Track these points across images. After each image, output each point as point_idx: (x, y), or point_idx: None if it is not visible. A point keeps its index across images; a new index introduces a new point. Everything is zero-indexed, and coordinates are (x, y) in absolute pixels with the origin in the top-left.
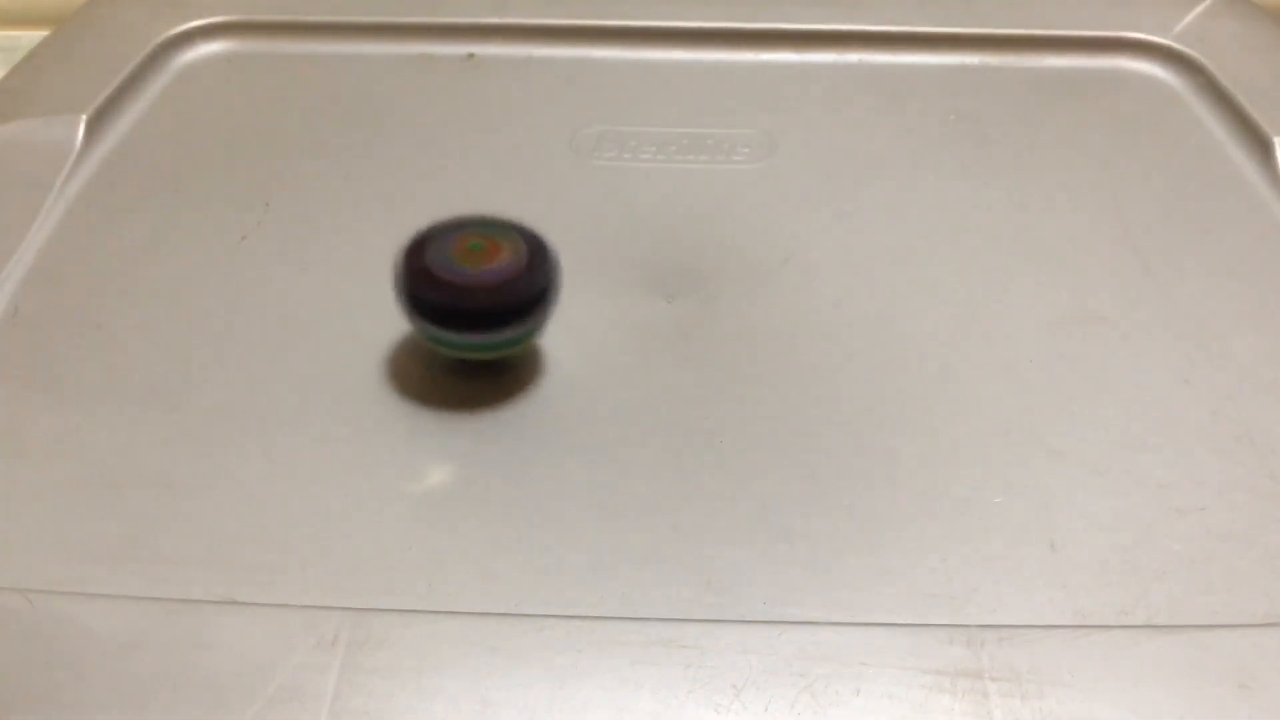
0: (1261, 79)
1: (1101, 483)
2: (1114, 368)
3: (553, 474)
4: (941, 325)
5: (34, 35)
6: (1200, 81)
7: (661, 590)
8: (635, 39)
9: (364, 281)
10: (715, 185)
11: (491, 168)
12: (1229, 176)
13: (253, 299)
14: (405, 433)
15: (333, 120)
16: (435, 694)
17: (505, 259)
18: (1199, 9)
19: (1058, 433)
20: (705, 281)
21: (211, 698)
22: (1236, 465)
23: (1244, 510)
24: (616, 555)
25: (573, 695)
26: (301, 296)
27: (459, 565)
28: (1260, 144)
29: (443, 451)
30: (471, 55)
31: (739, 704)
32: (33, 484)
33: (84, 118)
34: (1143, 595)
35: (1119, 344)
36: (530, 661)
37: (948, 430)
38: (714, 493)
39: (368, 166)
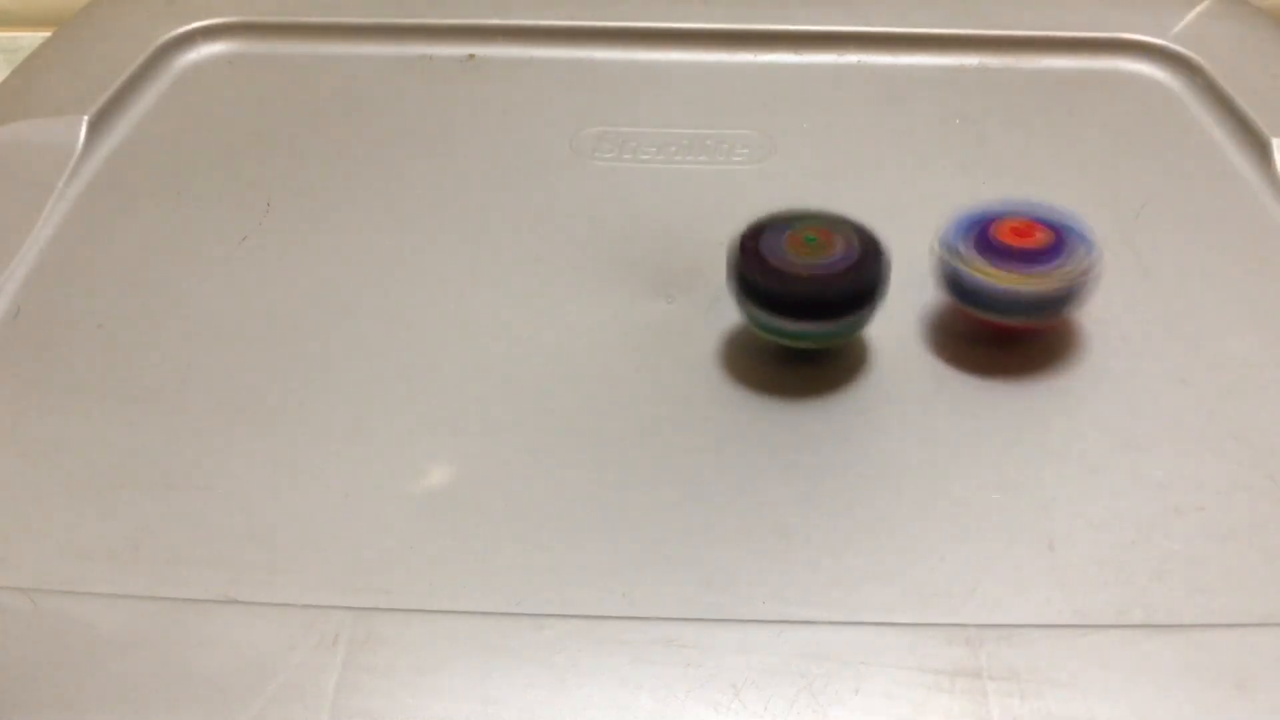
0: (1259, 80)
1: (1100, 483)
2: (1112, 367)
3: (553, 474)
4: (941, 325)
5: (36, 36)
6: (1198, 82)
7: (661, 590)
8: (635, 40)
9: (364, 281)
10: (715, 185)
11: (491, 168)
12: (1227, 177)
13: (253, 299)
14: (405, 433)
15: (333, 121)
16: (436, 693)
17: (838, 251)
18: (1197, 10)
19: (1056, 433)
20: (705, 281)
21: (213, 696)
22: (1234, 465)
23: (1241, 510)
24: (616, 555)
25: (573, 694)
26: (301, 296)
27: (459, 565)
28: (1258, 144)
29: (443, 452)
30: (472, 56)
31: (739, 703)
32: (34, 484)
33: (86, 118)
34: (1141, 595)
35: (1117, 344)
36: (530, 660)
37: (947, 430)
38: (714, 493)
39: (368, 167)
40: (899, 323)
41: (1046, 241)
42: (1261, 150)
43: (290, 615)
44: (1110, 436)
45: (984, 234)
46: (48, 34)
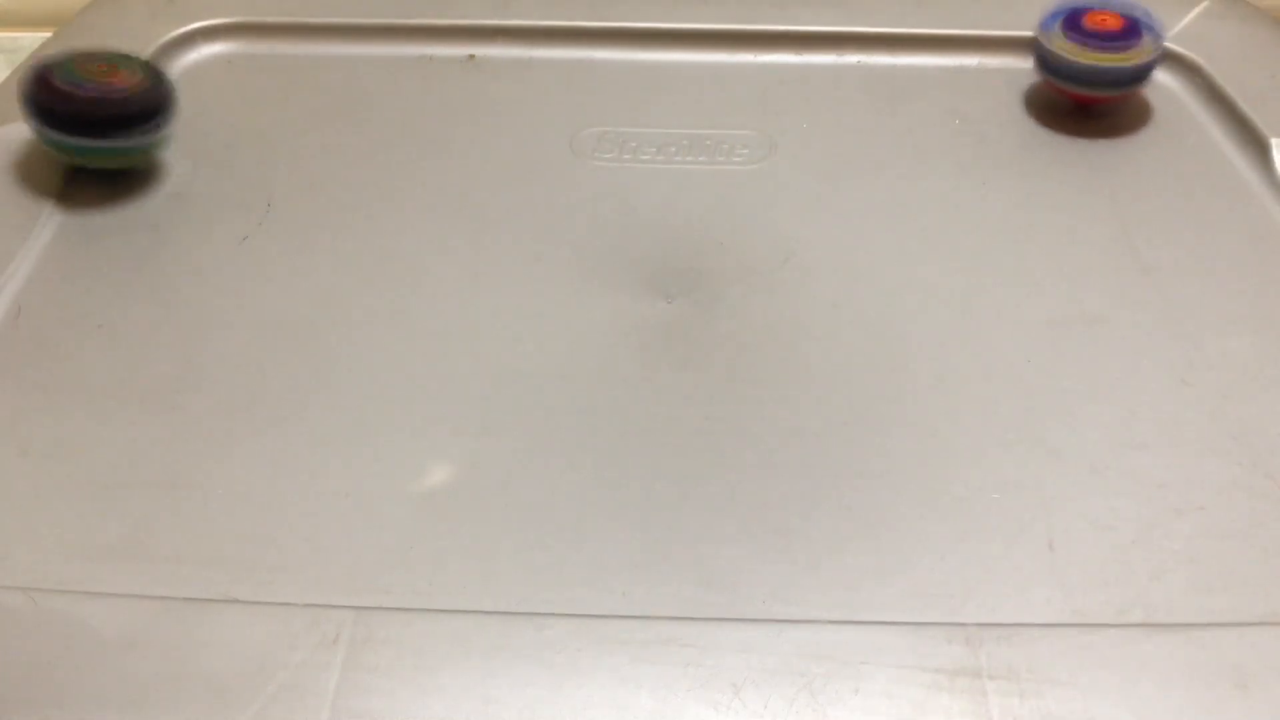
0: (1259, 80)
1: (1099, 482)
2: (1112, 368)
3: (553, 474)
4: (940, 325)
5: (36, 37)
6: (1198, 83)
7: (661, 589)
8: (635, 40)
9: (364, 281)
10: (715, 185)
11: (491, 168)
12: (1226, 177)
13: (253, 299)
14: (405, 433)
15: (333, 121)
16: (436, 692)
17: (125, 79)
18: (1197, 10)
19: (1056, 433)
20: (705, 281)
21: (213, 695)
22: (1234, 465)
23: (1241, 510)
24: (616, 555)
25: (573, 693)
26: (301, 296)
27: (459, 565)
28: (1258, 145)
29: (444, 452)
30: (472, 56)
31: (738, 702)
32: (34, 484)
33: None
34: (1140, 594)
35: (1117, 344)
36: (530, 660)
37: (947, 430)
38: (714, 493)
39: (368, 167)
40: (898, 323)
41: (1119, 26)
42: (1261, 150)
43: (290, 615)
44: (1110, 436)
45: (1071, 20)
46: (48, 34)
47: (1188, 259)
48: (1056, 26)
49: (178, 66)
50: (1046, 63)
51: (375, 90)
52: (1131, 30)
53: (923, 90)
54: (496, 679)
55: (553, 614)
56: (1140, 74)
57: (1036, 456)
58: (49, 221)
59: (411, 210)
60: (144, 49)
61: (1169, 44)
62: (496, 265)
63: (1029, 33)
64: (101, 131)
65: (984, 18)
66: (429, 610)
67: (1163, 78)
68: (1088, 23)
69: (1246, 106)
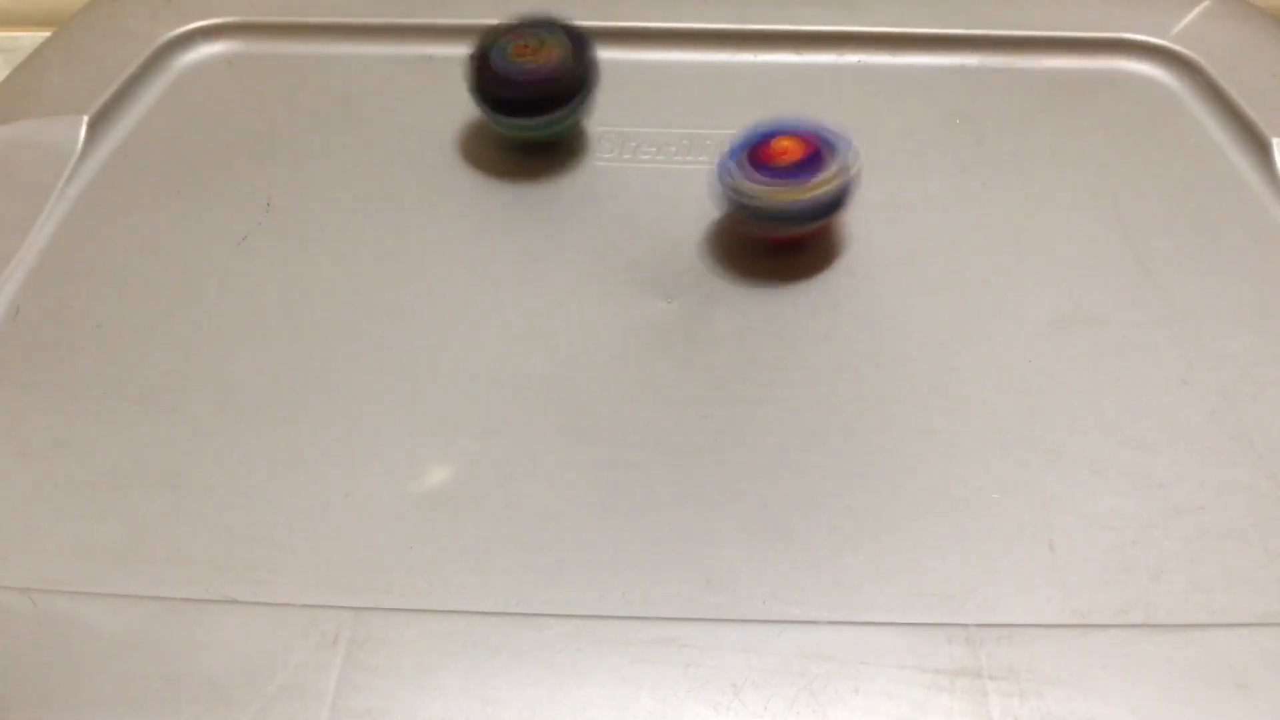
0: (1260, 80)
1: (1100, 482)
2: (1112, 368)
3: (552, 474)
4: (941, 325)
5: (36, 36)
6: (1198, 82)
7: (661, 590)
8: (635, 39)
9: (364, 281)
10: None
11: (491, 168)
12: (1227, 177)
13: (253, 299)
14: (406, 433)
15: (333, 121)
16: (436, 692)
17: (550, 58)
18: (1197, 10)
19: (1056, 433)
20: (705, 281)
21: (213, 696)
22: (1234, 465)
23: (1242, 510)
24: (616, 555)
25: (573, 694)
26: (301, 296)
27: (459, 565)
28: (1258, 145)
29: (443, 452)
30: None
31: (739, 703)
32: (34, 484)
33: (86, 118)
34: (1141, 594)
35: (1117, 344)
36: (530, 660)
37: (947, 430)
38: (714, 493)
39: (367, 166)
40: (899, 323)
41: (801, 155)
42: (1261, 150)
43: (290, 615)
44: (1110, 436)
45: (752, 153)
46: (48, 34)
47: (1188, 259)
48: (738, 161)
49: (178, 66)
50: (729, 201)
51: (375, 90)
52: (815, 158)
53: (923, 90)
54: (496, 679)
55: (553, 614)
56: (821, 210)
57: (1036, 456)
58: (48, 221)
59: (411, 210)
60: (144, 49)
61: (1169, 43)
62: (496, 265)
63: (1029, 33)
64: (530, 112)
65: (984, 18)
66: (429, 610)
67: (1163, 77)
68: (769, 154)
69: (1246, 106)
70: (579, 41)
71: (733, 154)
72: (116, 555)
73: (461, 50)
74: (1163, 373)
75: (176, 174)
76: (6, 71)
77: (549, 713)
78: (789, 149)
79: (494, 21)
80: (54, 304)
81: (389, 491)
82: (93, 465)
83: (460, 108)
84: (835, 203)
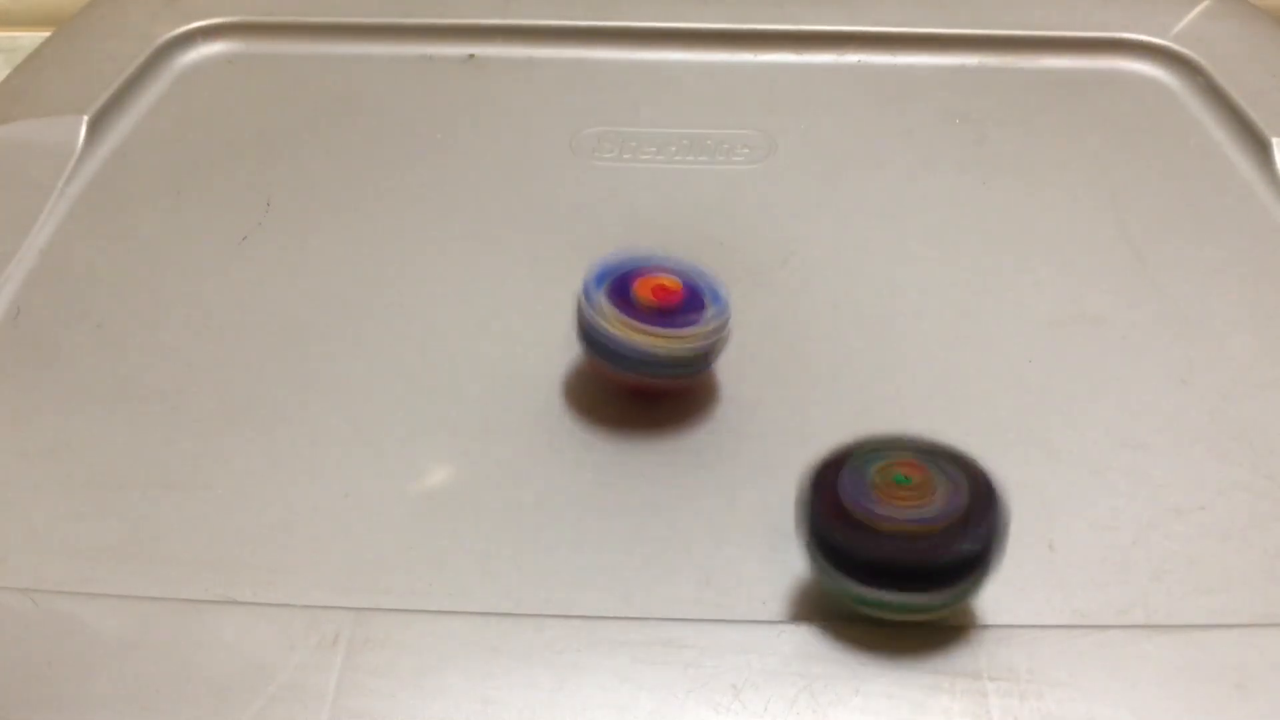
0: (1259, 80)
1: (1100, 483)
2: (1112, 368)
3: (552, 474)
4: (940, 325)
5: (35, 36)
6: (1198, 82)
7: (661, 590)
8: (635, 39)
9: (364, 281)
10: (715, 185)
11: (491, 168)
12: (1227, 177)
13: (253, 299)
14: (406, 433)
15: (333, 121)
16: (436, 693)
17: (940, 495)
18: (1197, 10)
19: (1056, 433)
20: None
21: (213, 696)
22: (1234, 465)
23: (1242, 510)
24: (616, 555)
25: (573, 694)
26: (301, 296)
27: (459, 565)
28: (1258, 144)
29: (442, 451)
30: (472, 56)
31: (739, 703)
32: (34, 484)
33: (86, 118)
34: (1141, 595)
35: (1117, 344)
36: (531, 661)
37: (947, 430)
38: (714, 493)
39: (368, 166)
40: (899, 323)
41: (679, 297)
42: (1261, 150)
43: (290, 615)
44: (1110, 436)
45: (619, 286)
46: (48, 34)
47: (1188, 259)
48: (602, 293)
49: (178, 66)
50: (589, 337)
51: (375, 90)
52: (692, 301)
53: (923, 90)
54: (496, 679)
55: (553, 614)
56: (700, 360)
57: (1036, 456)
58: (49, 221)
59: (411, 210)
60: (144, 48)
61: (1169, 43)
62: (496, 265)
63: (1029, 32)
64: (914, 585)
65: (984, 18)
66: (429, 611)
67: (1163, 77)
68: (639, 291)
69: (1247, 106)
70: (975, 472)
71: (595, 283)
72: (116, 555)
73: (461, 50)
74: (1162, 373)
75: (176, 174)
76: (6, 71)
77: (549, 713)
78: (664, 286)
79: (494, 22)
80: (54, 304)
81: (389, 491)
82: (93, 465)
83: (460, 107)
84: (705, 358)
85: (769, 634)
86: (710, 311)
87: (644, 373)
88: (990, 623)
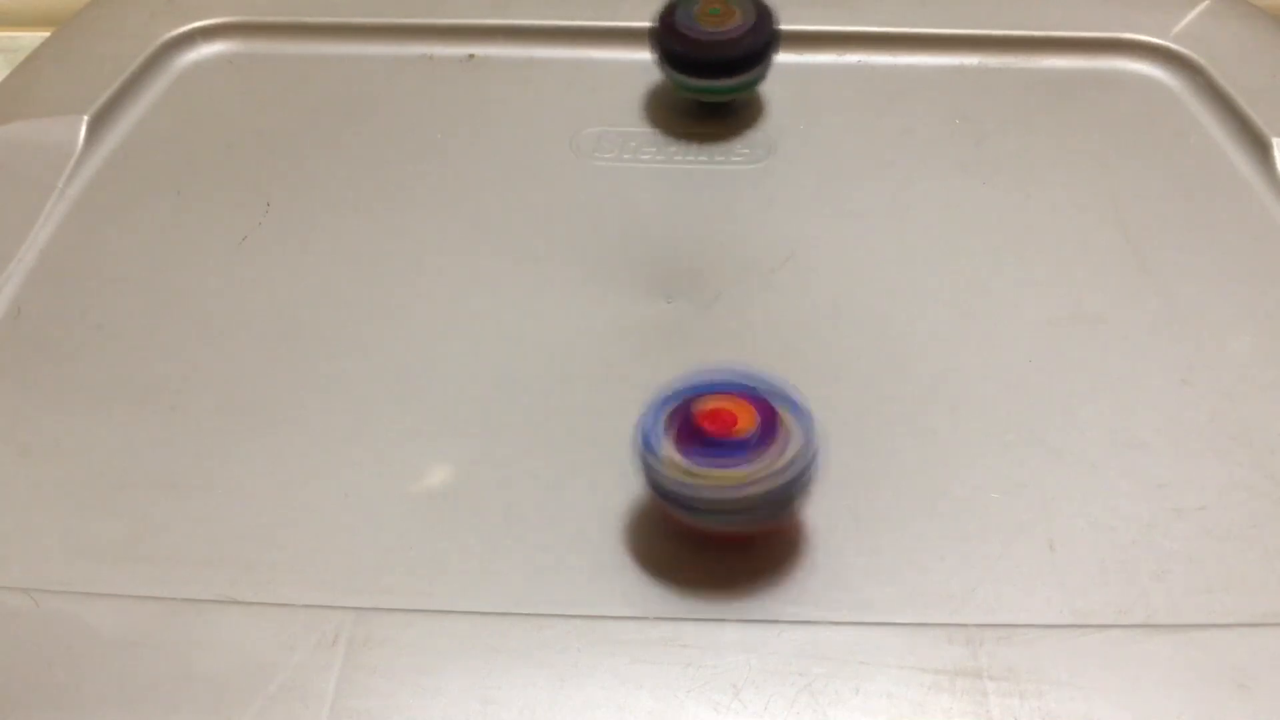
0: (1260, 80)
1: (1100, 482)
2: (1112, 368)
3: (553, 474)
4: (941, 325)
5: (35, 36)
6: (1199, 82)
7: (661, 590)
8: (635, 39)
9: (364, 281)
10: (715, 185)
11: (491, 168)
12: (1227, 177)
13: (253, 299)
14: (405, 433)
15: (333, 121)
16: (436, 693)
17: (737, 20)
18: (1197, 10)
19: (1056, 433)
20: (705, 281)
21: (213, 696)
22: (1235, 465)
23: (1242, 510)
24: (616, 555)
25: (573, 694)
26: (301, 296)
27: (459, 565)
28: (1259, 145)
29: (441, 450)
30: (472, 56)
31: (738, 703)
32: (34, 484)
33: (85, 118)
34: (1141, 595)
35: (1117, 344)
36: (530, 660)
37: (947, 430)
38: None
39: (368, 166)
40: (899, 323)
41: (754, 424)
42: (1261, 150)
43: (290, 615)
44: (1110, 436)
45: (684, 419)
46: (48, 34)
47: (1188, 259)
48: (661, 430)
49: (178, 66)
50: (655, 484)
51: (375, 90)
52: (768, 428)
53: (923, 90)
54: (496, 679)
55: (553, 614)
56: (786, 499)
57: (1036, 456)
58: (49, 221)
59: (411, 210)
60: (144, 48)
61: (1169, 43)
62: (496, 265)
63: (1029, 33)
64: (713, 74)
65: (984, 18)
66: (429, 610)
67: (1163, 77)
68: (705, 421)
69: (1247, 106)
70: (761, 7)
71: (652, 419)
72: (116, 555)
73: (461, 50)
74: (1162, 373)
75: (176, 174)
76: (6, 71)
77: (549, 713)
78: (732, 412)
79: (494, 22)
80: (54, 304)
81: (389, 491)
82: (93, 465)
83: (460, 108)
84: (790, 494)
85: (769, 634)
86: (796, 431)
87: (723, 520)
88: (990, 623)
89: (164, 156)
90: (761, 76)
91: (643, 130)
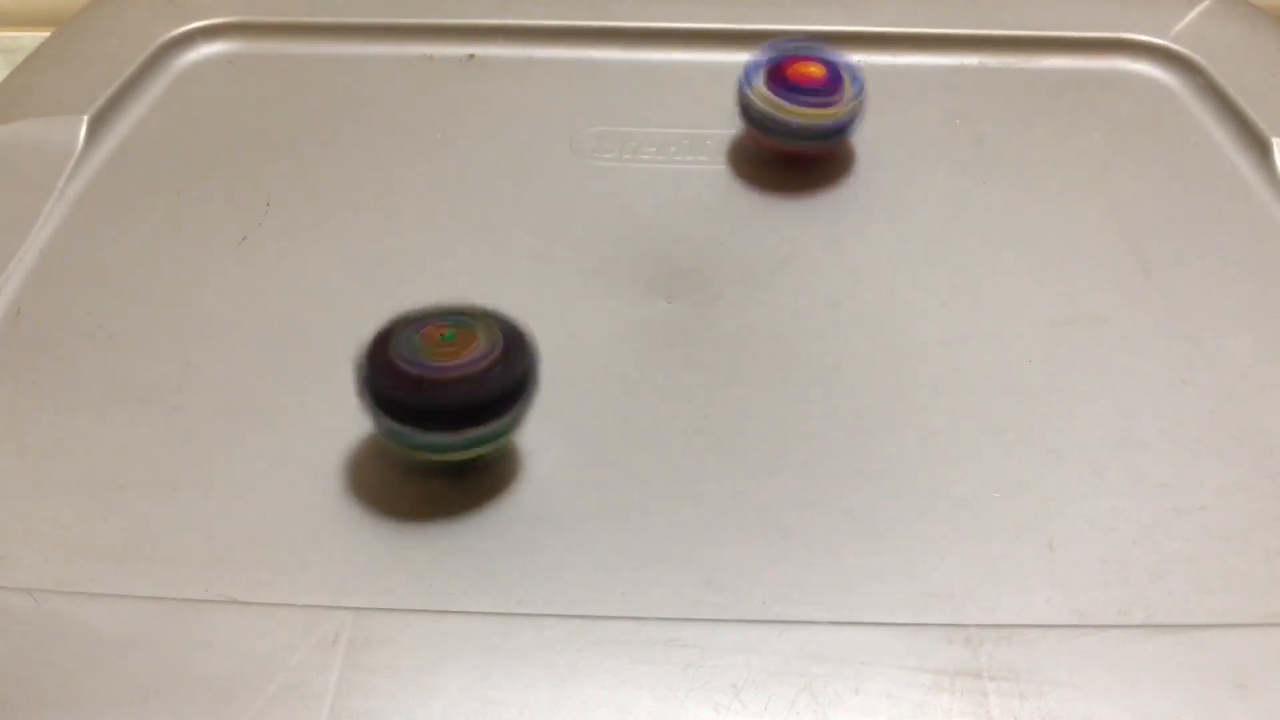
0: (1260, 80)
1: (1100, 482)
2: (1112, 368)
3: (552, 473)
4: (940, 325)
5: (36, 36)
6: (1199, 82)
7: (661, 590)
8: (635, 39)
9: (364, 282)
10: (715, 185)
11: (491, 168)
12: (1227, 177)
13: (253, 299)
14: None
15: (333, 121)
16: (436, 693)
17: (479, 349)
18: (1197, 10)
19: (1056, 433)
20: (705, 281)
21: (213, 696)
22: (1234, 465)
23: (1242, 510)
24: (616, 555)
25: (573, 694)
26: (301, 296)
27: (459, 565)
28: (1258, 145)
29: None
30: (472, 56)
31: (738, 703)
32: (34, 484)
33: (86, 118)
34: (1141, 595)
35: (1117, 344)
36: (531, 660)
37: (947, 430)
38: (714, 493)
39: (368, 166)
40: (899, 323)
41: (823, 78)
42: (1261, 150)
43: (290, 615)
44: (1110, 436)
45: (774, 72)
46: (48, 34)
47: (1188, 259)
48: (759, 79)
49: (178, 66)
50: (750, 116)
51: (375, 90)
52: (834, 81)
53: (923, 90)
54: (496, 679)
55: (553, 614)
56: (841, 129)
57: (1036, 456)
58: (49, 221)
59: (411, 210)
60: (144, 48)
61: (1169, 43)
62: (496, 265)
63: (1029, 33)
64: (447, 424)
65: (984, 18)
66: (429, 610)
67: (1163, 77)
68: (790, 74)
69: (1247, 106)
70: (512, 333)
71: (752, 72)
72: (116, 555)
73: (461, 50)
74: (1162, 373)
75: (176, 174)
76: (6, 71)
77: (549, 713)
78: (810, 70)
79: (494, 22)
80: (54, 304)
81: (389, 491)
82: (93, 465)
83: (460, 107)
84: (848, 125)
85: (769, 634)
86: (851, 88)
87: (800, 141)
88: (990, 623)
89: (164, 156)
90: (514, 424)
91: (643, 130)
